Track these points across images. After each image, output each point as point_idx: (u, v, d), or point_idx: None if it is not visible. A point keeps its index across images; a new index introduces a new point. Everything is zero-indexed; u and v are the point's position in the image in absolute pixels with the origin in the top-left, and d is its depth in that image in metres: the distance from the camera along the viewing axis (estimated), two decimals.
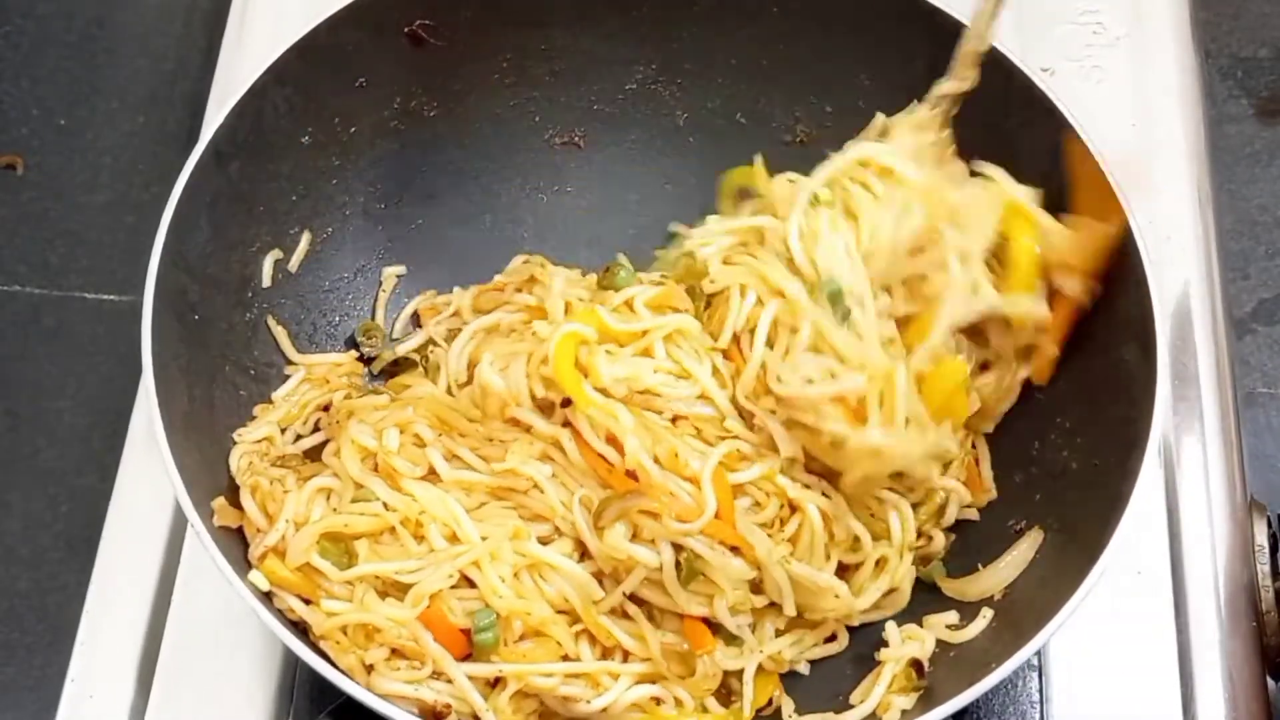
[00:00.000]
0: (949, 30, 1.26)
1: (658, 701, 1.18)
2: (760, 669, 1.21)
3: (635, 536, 1.16)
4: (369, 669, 1.13)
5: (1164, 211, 1.53)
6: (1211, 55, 1.70)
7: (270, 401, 1.32)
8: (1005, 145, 1.28)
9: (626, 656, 1.19)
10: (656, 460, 1.16)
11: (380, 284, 1.44)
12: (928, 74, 1.27)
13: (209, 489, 1.18)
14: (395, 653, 1.14)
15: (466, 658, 1.15)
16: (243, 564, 1.15)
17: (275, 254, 1.35)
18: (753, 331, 1.21)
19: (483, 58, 1.41)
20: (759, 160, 1.32)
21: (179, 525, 1.38)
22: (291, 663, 1.32)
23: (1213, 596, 1.36)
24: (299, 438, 1.31)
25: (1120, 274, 1.21)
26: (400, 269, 1.45)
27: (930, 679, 1.18)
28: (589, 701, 1.15)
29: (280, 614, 1.15)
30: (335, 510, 1.19)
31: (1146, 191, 1.50)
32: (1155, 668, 1.33)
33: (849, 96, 1.36)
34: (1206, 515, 1.40)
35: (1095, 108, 1.37)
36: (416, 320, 1.44)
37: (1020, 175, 1.26)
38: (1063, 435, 1.26)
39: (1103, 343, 1.23)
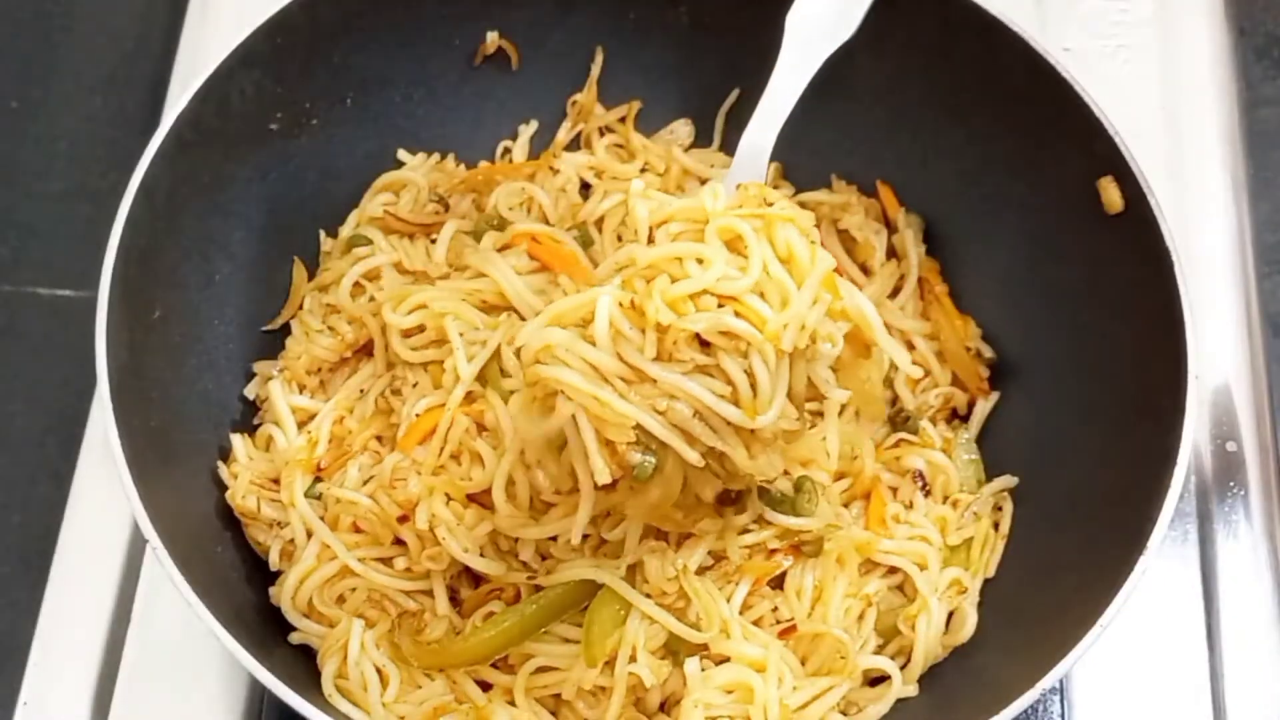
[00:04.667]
0: None
1: None
2: None
3: None
4: None
5: (1194, 201, 1.49)
6: (1246, 33, 1.63)
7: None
8: (1023, 126, 1.26)
9: None
10: None
11: None
12: None
13: (168, 502, 1.13)
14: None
15: None
16: (203, 583, 1.09)
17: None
18: None
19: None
20: None
21: (139, 538, 1.33)
22: (259, 687, 1.25)
23: (1247, 618, 1.32)
24: None
25: (1147, 280, 1.16)
26: None
27: (952, 705, 1.15)
28: None
29: (245, 633, 1.09)
30: None
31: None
32: (1185, 694, 1.29)
33: None
34: (1241, 531, 1.35)
35: (1121, 89, 1.36)
36: None
37: (1039, 160, 1.25)
38: (1088, 455, 1.21)
39: (1130, 357, 1.19)
